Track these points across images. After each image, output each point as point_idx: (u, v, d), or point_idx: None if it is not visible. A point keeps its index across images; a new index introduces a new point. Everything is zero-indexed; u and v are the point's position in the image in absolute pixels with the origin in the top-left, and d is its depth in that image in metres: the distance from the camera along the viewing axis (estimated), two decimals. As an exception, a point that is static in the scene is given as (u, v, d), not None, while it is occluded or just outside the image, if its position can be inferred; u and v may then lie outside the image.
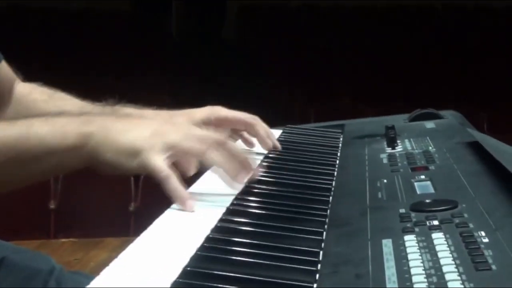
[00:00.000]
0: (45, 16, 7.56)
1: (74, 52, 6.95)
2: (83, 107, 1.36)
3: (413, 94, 6.19)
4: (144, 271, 0.78)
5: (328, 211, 1.00)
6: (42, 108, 1.36)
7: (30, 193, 3.81)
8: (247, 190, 1.07)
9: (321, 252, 0.83)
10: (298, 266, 0.79)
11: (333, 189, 1.13)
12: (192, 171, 1.05)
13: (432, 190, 1.07)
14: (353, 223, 0.95)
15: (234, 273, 0.77)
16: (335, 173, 1.24)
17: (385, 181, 1.14)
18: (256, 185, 1.11)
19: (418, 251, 0.80)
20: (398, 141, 1.41)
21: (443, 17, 7.85)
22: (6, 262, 1.22)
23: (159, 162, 0.98)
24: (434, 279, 0.72)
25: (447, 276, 0.73)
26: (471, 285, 0.70)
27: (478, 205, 0.96)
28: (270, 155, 1.35)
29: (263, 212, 0.99)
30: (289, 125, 1.66)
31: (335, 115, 2.26)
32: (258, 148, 1.40)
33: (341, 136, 1.59)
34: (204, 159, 1.03)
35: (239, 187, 1.06)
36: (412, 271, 0.75)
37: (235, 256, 0.82)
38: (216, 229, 0.90)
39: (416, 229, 0.87)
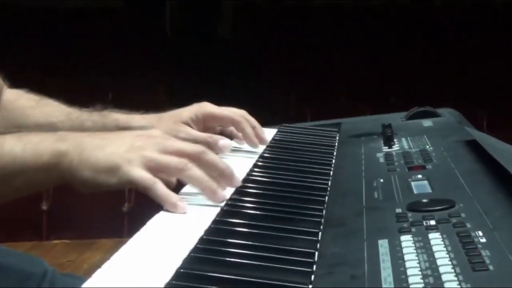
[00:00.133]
0: (41, 15, 7.56)
1: (68, 51, 6.94)
2: (70, 113, 1.36)
3: (412, 93, 6.19)
4: (137, 273, 0.77)
5: (324, 211, 0.99)
6: (29, 114, 1.35)
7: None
8: (241, 190, 1.06)
9: (316, 253, 0.83)
10: (293, 267, 0.79)
11: (329, 188, 1.12)
12: (174, 181, 1.03)
13: (429, 190, 1.06)
14: (349, 223, 0.94)
15: (228, 274, 0.76)
16: (331, 172, 1.23)
17: (381, 180, 1.13)
18: (251, 185, 1.10)
19: (415, 251, 0.79)
20: (395, 140, 1.40)
21: (442, 16, 7.85)
22: None
23: (140, 173, 0.96)
24: (431, 279, 0.72)
25: (444, 277, 0.72)
26: (468, 285, 0.70)
27: (475, 204, 0.95)
28: (265, 155, 1.34)
29: (257, 212, 0.99)
30: (284, 124, 1.65)
31: (331, 114, 2.25)
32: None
33: (338, 134, 1.58)
34: (180, 177, 1.01)
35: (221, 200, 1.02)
36: (409, 271, 0.74)
37: (229, 257, 0.81)
38: (209, 230, 0.89)
39: (413, 229, 0.86)
